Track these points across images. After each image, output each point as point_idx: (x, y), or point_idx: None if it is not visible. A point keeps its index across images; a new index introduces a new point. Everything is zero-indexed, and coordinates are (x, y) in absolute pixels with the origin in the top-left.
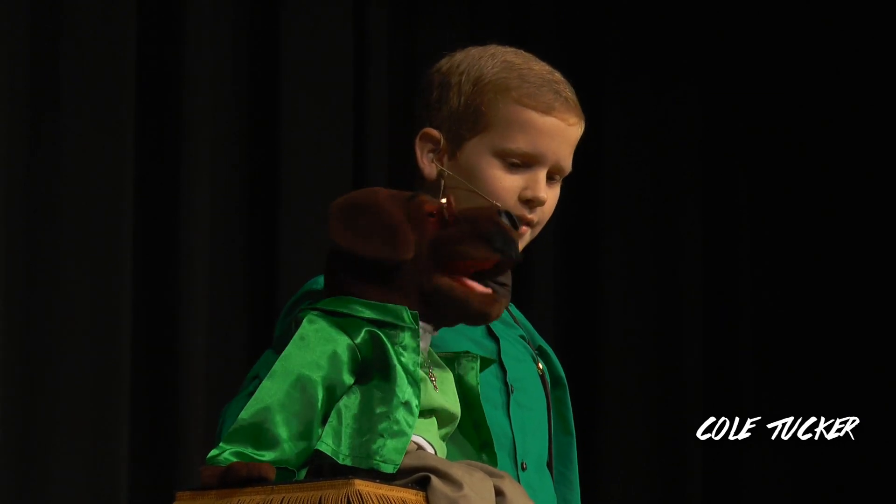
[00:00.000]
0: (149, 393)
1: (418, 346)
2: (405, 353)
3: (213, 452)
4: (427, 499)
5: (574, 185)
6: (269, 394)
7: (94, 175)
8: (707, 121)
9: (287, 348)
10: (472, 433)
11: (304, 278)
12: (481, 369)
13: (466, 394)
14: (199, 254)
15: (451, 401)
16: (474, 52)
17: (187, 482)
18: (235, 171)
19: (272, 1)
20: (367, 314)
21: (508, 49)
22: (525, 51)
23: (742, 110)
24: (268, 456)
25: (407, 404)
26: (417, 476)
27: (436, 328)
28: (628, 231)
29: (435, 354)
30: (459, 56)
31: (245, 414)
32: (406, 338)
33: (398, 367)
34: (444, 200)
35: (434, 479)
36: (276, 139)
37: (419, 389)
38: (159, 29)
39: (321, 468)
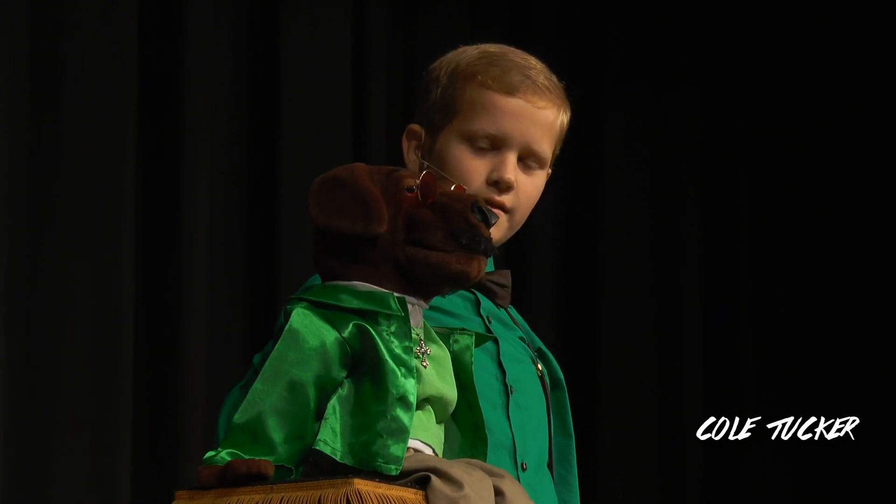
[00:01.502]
0: (149, 393)
1: (409, 332)
2: (395, 342)
3: (210, 454)
4: (427, 498)
5: (574, 185)
6: (261, 397)
7: (95, 175)
8: (707, 121)
9: (277, 346)
10: (466, 413)
11: (303, 278)
12: (477, 345)
13: (461, 373)
14: (200, 254)
15: (447, 385)
16: (461, 49)
17: (188, 482)
18: (235, 171)
19: (272, 1)
20: (354, 304)
21: (494, 45)
22: (525, 51)
23: (742, 110)
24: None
25: (402, 399)
26: (418, 475)
27: (425, 299)
28: (628, 231)
29: (432, 330)
30: (449, 54)
31: (238, 419)
32: (395, 326)
33: (389, 362)
34: (423, 174)
35: (434, 479)
36: (275, 139)
37: (415, 379)
38: (160, 29)
39: (318, 464)
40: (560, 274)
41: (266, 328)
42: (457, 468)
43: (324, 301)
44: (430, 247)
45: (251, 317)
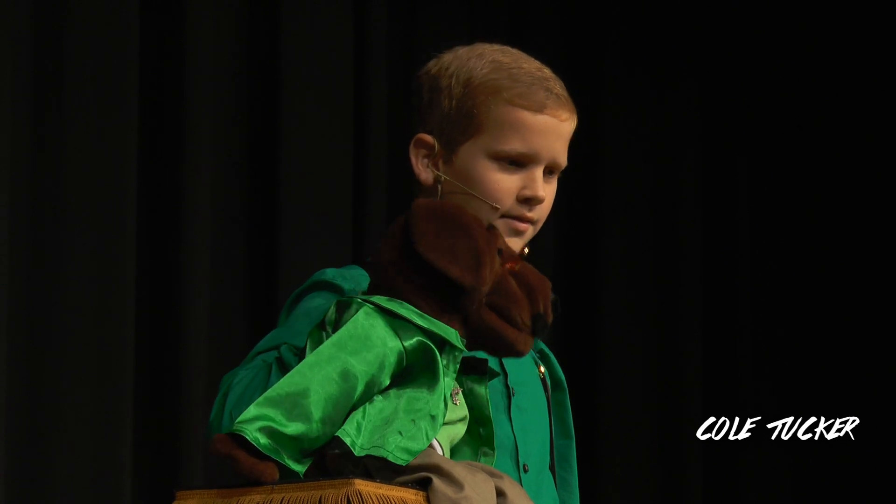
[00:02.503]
0: (150, 392)
1: (457, 371)
2: (447, 374)
3: (244, 416)
4: (428, 499)
5: (574, 186)
6: (312, 371)
7: (96, 176)
8: (707, 119)
9: (339, 334)
10: (477, 439)
11: (303, 279)
12: (490, 378)
13: (474, 404)
14: (201, 254)
15: (460, 411)
16: (462, 52)
17: (188, 481)
18: (237, 173)
19: (272, 1)
20: (422, 323)
21: (496, 47)
22: (524, 47)
23: (742, 108)
24: (292, 428)
25: (434, 418)
26: (419, 476)
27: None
28: (628, 231)
29: None
30: (447, 57)
31: (284, 383)
32: (450, 359)
33: (441, 383)
34: (507, 249)
35: (436, 480)
36: (276, 139)
37: (447, 409)
38: (161, 25)
39: (323, 458)
40: (560, 274)
41: (267, 328)
42: (459, 469)
43: (392, 310)
44: (509, 320)
45: (252, 316)
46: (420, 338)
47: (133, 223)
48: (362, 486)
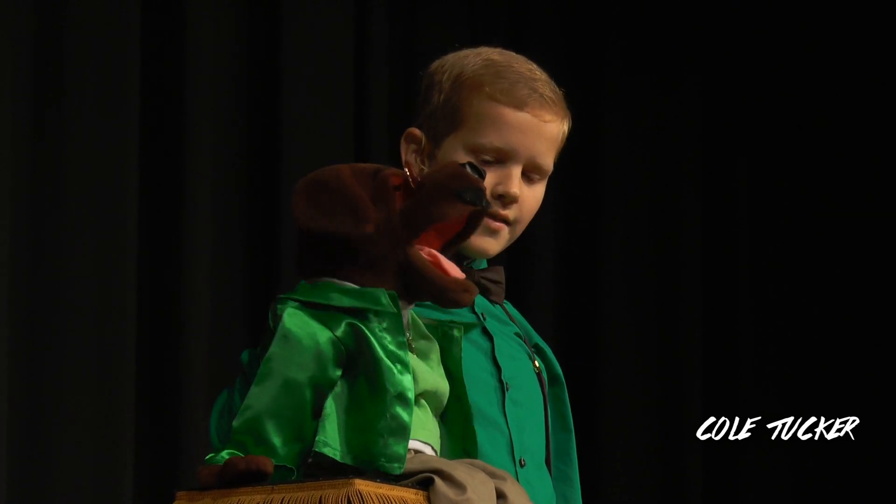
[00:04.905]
0: (151, 393)
1: (402, 327)
2: (388, 338)
3: (211, 455)
4: (428, 499)
5: (574, 183)
6: (258, 401)
7: (97, 172)
8: (707, 120)
9: (271, 349)
10: (455, 405)
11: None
12: (465, 332)
13: (450, 365)
14: (201, 255)
15: (438, 377)
16: (463, 52)
17: (189, 482)
18: (237, 173)
19: (272, 1)
20: (346, 302)
21: (496, 49)
22: (525, 49)
23: (742, 108)
24: None
25: (401, 396)
26: (421, 477)
27: (410, 302)
28: (628, 230)
29: (420, 324)
30: (449, 57)
31: (237, 423)
32: (387, 322)
33: (384, 360)
34: (406, 171)
35: (437, 481)
36: (276, 139)
37: (411, 375)
38: (162, 23)
39: (320, 462)
40: (560, 273)
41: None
42: (460, 470)
43: (314, 301)
44: (432, 217)
45: (252, 316)
46: (347, 321)
47: (133, 223)
48: (362, 485)
